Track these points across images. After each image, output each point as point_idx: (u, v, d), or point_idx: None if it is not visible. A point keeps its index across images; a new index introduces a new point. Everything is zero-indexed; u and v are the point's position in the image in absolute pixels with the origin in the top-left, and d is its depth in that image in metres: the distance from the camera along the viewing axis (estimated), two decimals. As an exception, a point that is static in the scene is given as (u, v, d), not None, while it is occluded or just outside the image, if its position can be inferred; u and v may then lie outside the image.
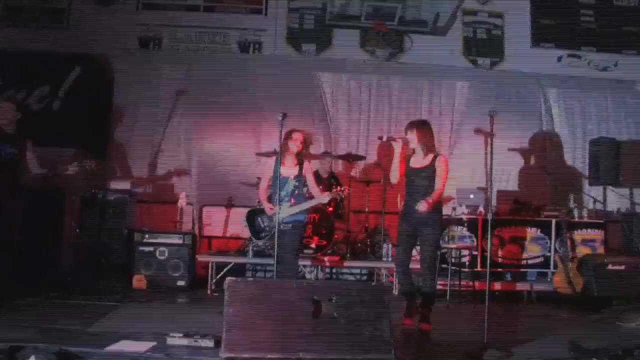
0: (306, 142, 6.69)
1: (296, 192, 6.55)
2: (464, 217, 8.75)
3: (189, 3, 10.07)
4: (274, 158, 6.71)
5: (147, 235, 8.06)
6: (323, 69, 10.11)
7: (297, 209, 6.49)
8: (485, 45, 10.37)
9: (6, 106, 6.80)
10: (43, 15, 9.79)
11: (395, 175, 6.37)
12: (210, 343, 4.84)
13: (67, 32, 9.78)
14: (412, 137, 6.26)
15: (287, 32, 10.15)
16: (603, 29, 10.39)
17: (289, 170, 6.55)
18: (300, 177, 6.56)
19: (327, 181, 8.79)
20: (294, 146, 6.51)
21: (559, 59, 10.23)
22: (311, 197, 6.65)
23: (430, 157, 6.24)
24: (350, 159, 9.07)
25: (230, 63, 9.98)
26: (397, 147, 6.29)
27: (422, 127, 6.34)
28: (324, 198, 6.66)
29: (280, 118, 6.09)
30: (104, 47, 9.63)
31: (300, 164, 6.59)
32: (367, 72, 10.17)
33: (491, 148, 5.15)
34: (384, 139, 6.63)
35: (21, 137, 6.72)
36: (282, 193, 6.48)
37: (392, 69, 10.19)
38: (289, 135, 6.48)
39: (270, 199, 6.57)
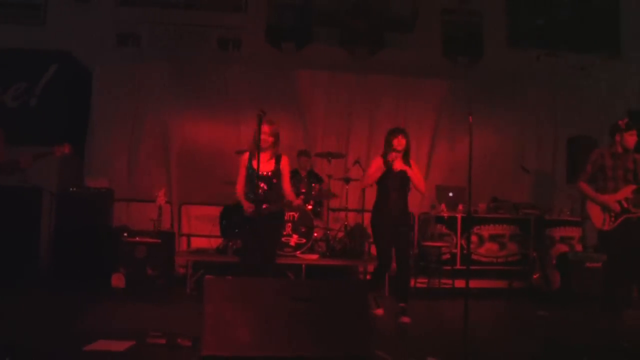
0: (274, 135, 6.10)
1: (269, 190, 6.10)
2: (444, 215, 8.79)
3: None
4: (247, 154, 6.27)
5: (125, 234, 8.00)
6: (302, 67, 10.09)
7: (274, 208, 6.10)
8: (464, 44, 10.42)
9: None
10: (19, 11, 9.68)
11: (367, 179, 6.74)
12: (188, 342, 4.83)
13: (43, 28, 9.68)
14: (400, 143, 6.51)
15: (267, 30, 10.12)
16: (581, 28, 10.49)
17: (263, 165, 6.06)
18: (277, 173, 6.15)
19: (307, 179, 8.80)
20: (264, 142, 6.04)
21: (538, 57, 10.30)
22: (283, 197, 6.25)
23: (409, 161, 6.59)
24: (329, 157, 9.06)
25: (209, 60, 9.93)
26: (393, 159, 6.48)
27: (405, 133, 6.60)
28: (296, 202, 6.26)
29: (258, 115, 5.76)
30: (82, 44, 9.53)
31: (277, 160, 6.19)
32: (346, 70, 10.16)
33: (471, 146, 5.17)
34: (392, 160, 6.50)
35: None
36: (254, 189, 6.03)
37: (371, 66, 10.19)
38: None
39: (246, 197, 6.15)
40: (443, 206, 8.89)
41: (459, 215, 8.73)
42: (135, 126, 9.76)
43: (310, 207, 8.59)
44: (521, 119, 10.45)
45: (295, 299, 4.45)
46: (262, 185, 6.03)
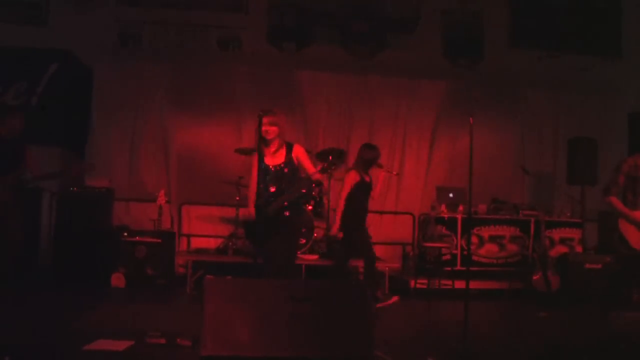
0: (276, 124, 5.69)
1: (283, 183, 5.71)
2: (444, 216, 8.78)
3: (169, -1, 10.01)
4: (257, 154, 5.79)
5: (125, 233, 8.00)
6: (303, 67, 10.08)
7: (285, 199, 5.64)
8: (465, 45, 10.39)
9: (15, 120, 6.60)
10: (21, 10, 9.66)
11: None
12: (188, 342, 4.82)
13: (45, 27, 9.65)
14: None
15: (268, 30, 10.10)
16: (582, 30, 10.47)
17: (273, 159, 5.77)
18: (288, 163, 5.76)
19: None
20: (266, 133, 5.68)
21: (539, 59, 10.28)
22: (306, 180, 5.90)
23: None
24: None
25: (209, 60, 9.92)
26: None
27: None
28: (314, 175, 5.75)
29: (259, 116, 5.69)
30: (83, 43, 9.50)
31: (287, 149, 5.80)
32: (347, 71, 10.15)
33: (471, 147, 5.17)
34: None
35: (21, 141, 6.57)
36: (265, 185, 5.70)
37: (372, 67, 10.18)
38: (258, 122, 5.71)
39: (258, 192, 5.66)
40: (443, 207, 8.88)
41: (459, 216, 8.73)
42: (136, 126, 9.76)
43: (310, 207, 8.59)
44: (522, 120, 10.46)
45: (295, 299, 4.44)
46: (271, 185, 5.71)
